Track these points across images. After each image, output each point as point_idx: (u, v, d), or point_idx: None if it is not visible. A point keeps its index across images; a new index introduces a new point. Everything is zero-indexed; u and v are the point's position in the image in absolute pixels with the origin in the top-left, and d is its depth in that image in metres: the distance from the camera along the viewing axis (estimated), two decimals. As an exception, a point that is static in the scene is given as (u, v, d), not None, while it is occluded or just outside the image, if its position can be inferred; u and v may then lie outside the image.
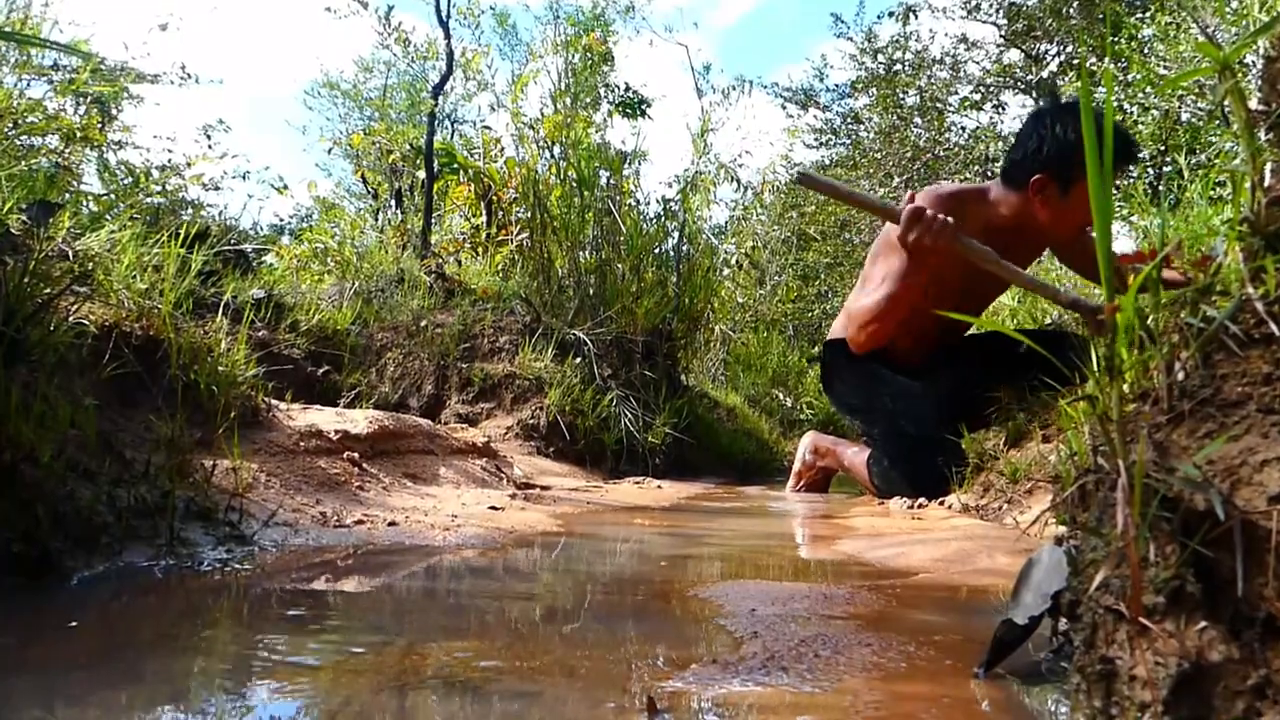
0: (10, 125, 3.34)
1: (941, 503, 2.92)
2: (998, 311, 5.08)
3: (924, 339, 3.45)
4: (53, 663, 0.89)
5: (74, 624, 1.03)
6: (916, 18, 15.60)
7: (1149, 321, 0.80)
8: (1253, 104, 0.82)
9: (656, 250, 5.54)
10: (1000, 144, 14.19)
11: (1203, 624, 0.65)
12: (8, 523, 1.17)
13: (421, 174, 6.62)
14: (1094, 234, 0.78)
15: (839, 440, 3.94)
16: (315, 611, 1.17)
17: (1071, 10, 13.76)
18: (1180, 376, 0.76)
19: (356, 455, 2.31)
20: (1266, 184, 0.76)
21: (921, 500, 3.01)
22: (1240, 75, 0.79)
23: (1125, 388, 0.79)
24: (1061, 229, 3.06)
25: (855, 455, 3.64)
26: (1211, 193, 3.18)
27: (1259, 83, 0.93)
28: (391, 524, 1.89)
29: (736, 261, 10.45)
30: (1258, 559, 0.64)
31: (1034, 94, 14.61)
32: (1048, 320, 4.79)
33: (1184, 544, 0.67)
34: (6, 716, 0.72)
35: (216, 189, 9.26)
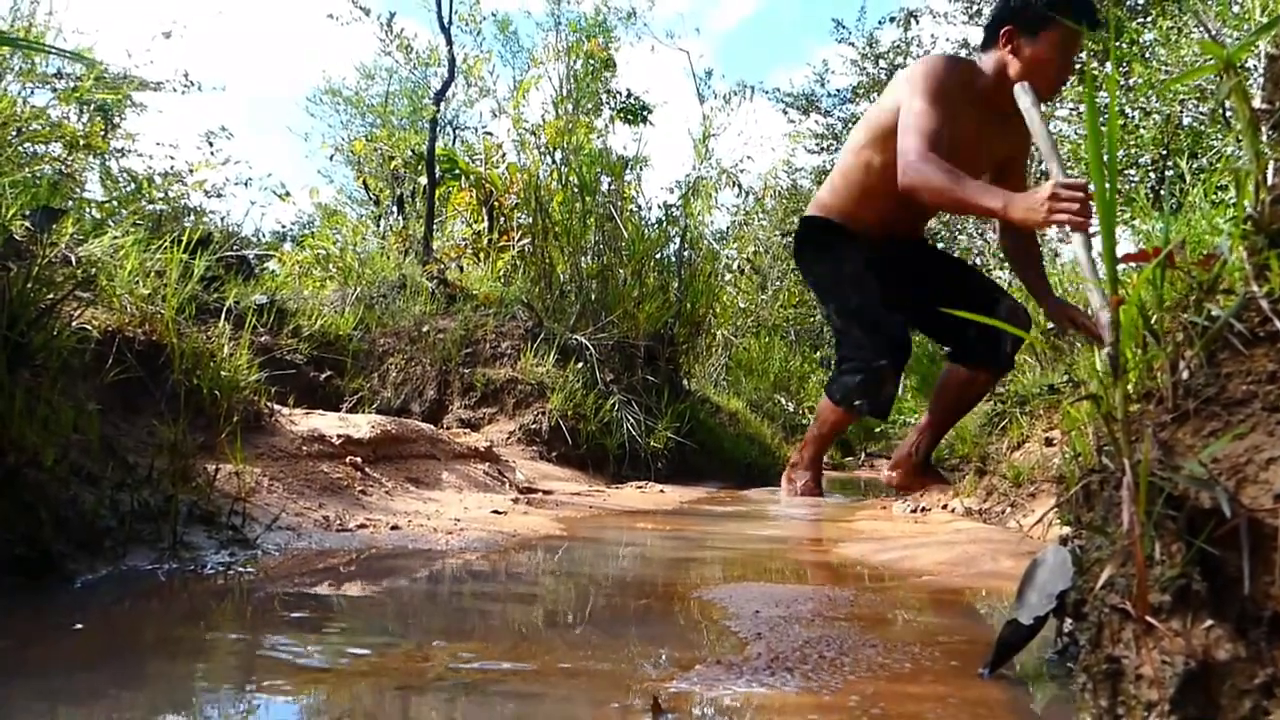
0: (14, 132, 3.34)
1: (944, 506, 2.92)
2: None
3: (891, 222, 3.51)
4: (56, 664, 0.88)
5: (77, 626, 1.03)
6: (918, 23, 15.63)
7: (1153, 321, 0.80)
8: (1256, 103, 0.82)
9: (658, 255, 5.54)
10: (1001, 149, 14.18)
11: (1209, 622, 0.65)
12: (11, 526, 1.17)
13: (423, 180, 6.63)
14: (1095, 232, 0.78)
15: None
16: (319, 614, 1.17)
17: (1072, 15, 13.74)
18: (1185, 375, 0.76)
19: (359, 460, 2.31)
20: (1270, 182, 0.76)
21: (924, 504, 3.00)
22: (1243, 77, 0.79)
23: (1130, 387, 0.79)
24: (1034, 79, 2.92)
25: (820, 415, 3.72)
26: (1214, 196, 3.18)
27: (1262, 83, 0.93)
28: (394, 528, 1.88)
29: (738, 266, 10.46)
30: (1264, 557, 0.64)
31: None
32: (1049, 324, 4.78)
33: (1190, 542, 0.67)
34: (10, 717, 0.72)
35: (219, 196, 9.28)
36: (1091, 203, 2.50)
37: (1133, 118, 7.83)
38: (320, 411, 2.73)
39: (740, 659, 0.94)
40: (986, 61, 3.24)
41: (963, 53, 15.60)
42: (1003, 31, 3.15)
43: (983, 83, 3.23)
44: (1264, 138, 0.80)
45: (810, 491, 3.73)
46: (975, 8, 15.24)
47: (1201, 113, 7.14)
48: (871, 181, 3.43)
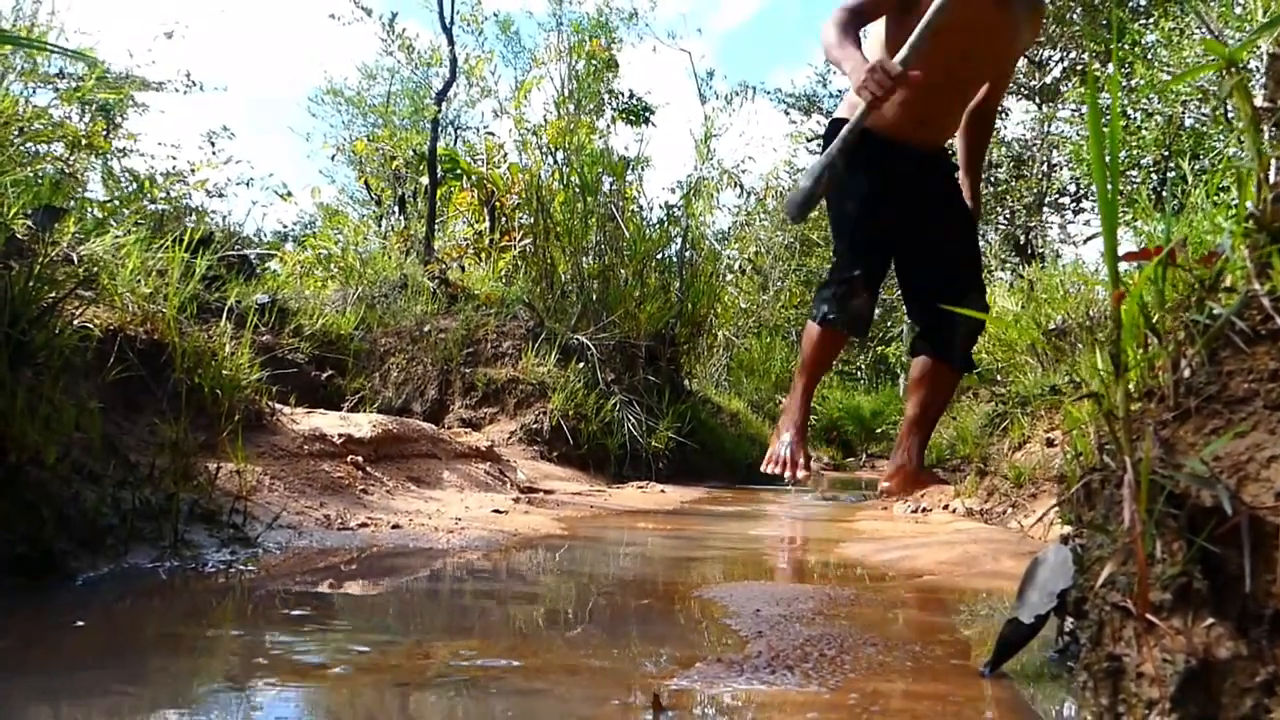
0: (16, 132, 3.34)
1: (945, 506, 2.92)
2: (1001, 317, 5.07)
3: (902, 124, 3.40)
4: (58, 662, 0.89)
5: (79, 624, 1.03)
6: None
7: (1154, 319, 0.80)
8: (1258, 102, 0.82)
9: (660, 255, 5.54)
10: (1003, 149, 14.20)
11: (1210, 620, 0.64)
12: (13, 524, 1.17)
13: (425, 180, 6.63)
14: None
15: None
16: (320, 612, 1.17)
17: (1075, 16, 13.76)
18: (1186, 373, 0.76)
19: (360, 459, 2.31)
20: (1272, 180, 0.76)
21: (924, 505, 3.00)
22: (1245, 77, 0.79)
23: (1131, 385, 0.78)
24: None
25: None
26: (1216, 197, 3.18)
27: (1264, 82, 0.93)
28: (395, 527, 1.88)
29: (739, 267, 10.46)
30: (1265, 555, 0.64)
31: (1037, 100, 14.61)
32: (1051, 325, 4.78)
33: (1191, 540, 0.66)
34: (13, 714, 0.72)
35: (221, 195, 9.28)
36: (893, 82, 2.86)
37: (1135, 119, 7.83)
38: (321, 411, 2.73)
39: (741, 657, 0.94)
40: None
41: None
42: None
43: None
44: (1266, 136, 0.80)
45: (789, 464, 3.47)
46: (977, 8, 15.20)
47: (1203, 114, 7.13)
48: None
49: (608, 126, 6.07)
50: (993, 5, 3.14)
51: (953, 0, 2.98)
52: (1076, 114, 12.47)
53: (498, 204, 6.44)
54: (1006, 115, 15.64)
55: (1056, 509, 0.95)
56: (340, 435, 2.35)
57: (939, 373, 3.48)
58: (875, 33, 3.38)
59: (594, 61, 6.12)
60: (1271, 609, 0.63)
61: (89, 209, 4.10)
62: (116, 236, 2.33)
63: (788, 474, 3.46)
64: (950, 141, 3.66)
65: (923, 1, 3.09)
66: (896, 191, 3.39)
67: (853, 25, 3.16)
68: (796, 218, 3.27)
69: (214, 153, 9.57)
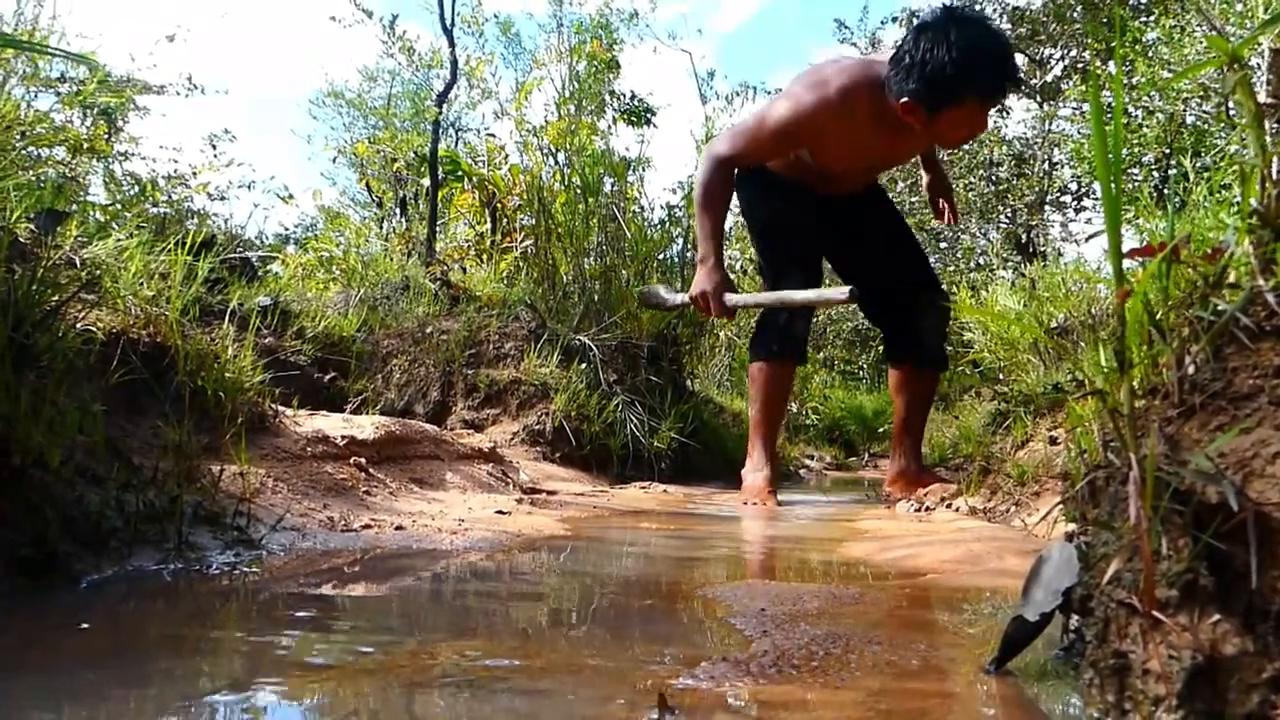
0: (18, 136, 3.35)
1: (948, 505, 2.91)
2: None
3: (817, 184, 3.49)
4: (62, 663, 0.89)
5: (83, 625, 1.03)
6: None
7: (1158, 316, 0.80)
8: (1261, 98, 0.82)
9: (661, 256, 5.54)
10: (1004, 148, 14.19)
11: (1216, 617, 0.64)
12: (17, 526, 1.17)
13: (426, 182, 6.63)
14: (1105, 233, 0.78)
15: None
16: (324, 613, 1.17)
17: (1075, 14, 13.75)
18: (1191, 370, 0.76)
19: (363, 460, 2.31)
20: (1276, 176, 0.76)
21: (928, 504, 3.00)
22: (1248, 74, 0.79)
23: (1135, 382, 0.78)
24: (940, 140, 3.13)
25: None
26: (1218, 194, 3.18)
27: (1266, 78, 0.93)
28: (399, 528, 1.89)
29: (741, 267, 10.45)
30: (1271, 551, 0.64)
31: (1038, 98, 14.60)
32: (1053, 323, 4.78)
33: (1196, 537, 0.66)
34: (17, 715, 0.72)
35: (222, 198, 9.28)
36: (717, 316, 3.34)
37: (1136, 116, 7.82)
38: (324, 413, 2.73)
39: (746, 656, 0.93)
40: (891, 100, 3.01)
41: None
42: (901, 102, 2.91)
43: (888, 102, 3.02)
44: (1269, 132, 0.80)
45: (763, 496, 3.32)
46: (977, 7, 15.24)
47: (1205, 111, 7.13)
48: (803, 165, 3.42)
49: (609, 127, 6.07)
50: (882, 142, 3.18)
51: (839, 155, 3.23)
52: (1078, 112, 12.47)
53: (499, 205, 6.44)
54: (1008, 114, 15.64)
55: (1061, 506, 0.95)
56: (343, 437, 2.35)
57: (915, 376, 3.55)
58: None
59: (595, 62, 6.13)
60: (1278, 605, 0.63)
61: (91, 212, 4.11)
62: (119, 240, 2.33)
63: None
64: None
65: (816, 148, 3.23)
66: (816, 219, 3.47)
67: (725, 187, 3.31)
68: (642, 304, 3.77)
69: (215, 155, 9.58)
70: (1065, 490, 0.91)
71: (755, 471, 3.50)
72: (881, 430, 10.13)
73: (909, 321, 3.51)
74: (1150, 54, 7.23)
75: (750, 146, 3.25)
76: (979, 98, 2.90)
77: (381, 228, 7.97)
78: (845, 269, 3.67)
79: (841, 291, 3.06)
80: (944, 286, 3.68)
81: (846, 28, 16.84)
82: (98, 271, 2.06)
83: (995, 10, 15.07)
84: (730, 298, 3.30)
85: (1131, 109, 7.60)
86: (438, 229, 6.47)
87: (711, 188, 3.27)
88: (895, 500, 3.36)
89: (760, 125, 3.22)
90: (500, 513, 2.27)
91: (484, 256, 6.23)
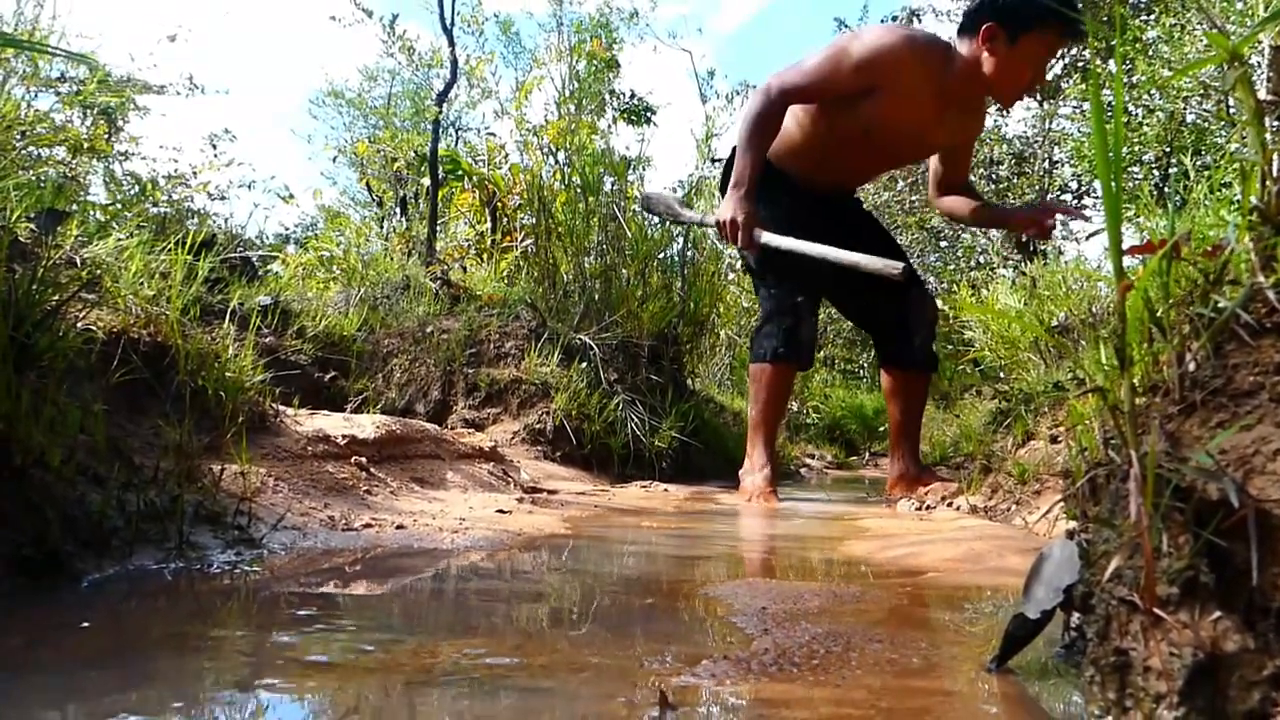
0: (18, 135, 3.35)
1: (949, 504, 2.91)
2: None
3: (817, 176, 3.54)
4: (64, 662, 0.89)
5: (85, 625, 1.03)
6: (920, 21, 15.63)
7: (1159, 313, 0.80)
8: (1261, 94, 0.82)
9: (662, 255, 5.54)
10: (1005, 146, 14.20)
11: (1217, 614, 0.64)
12: (18, 526, 1.18)
13: (426, 181, 6.64)
14: (1104, 227, 0.78)
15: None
16: (325, 612, 1.17)
17: (1076, 13, 13.72)
18: (1191, 367, 0.76)
19: (364, 460, 2.31)
20: (1276, 173, 0.76)
21: (928, 502, 3.00)
22: (1248, 71, 0.79)
23: (1136, 380, 0.78)
24: (1005, 84, 3.10)
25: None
26: (1218, 192, 3.18)
27: (1267, 75, 0.93)
28: (399, 527, 1.89)
29: (742, 266, 10.45)
30: (1272, 548, 0.64)
31: (1038, 96, 14.59)
32: (1054, 321, 4.78)
33: (1197, 534, 0.66)
34: (19, 714, 0.72)
35: (223, 198, 9.30)
36: (742, 247, 3.31)
37: (1136, 115, 7.82)
38: (325, 412, 2.73)
39: (747, 654, 0.93)
40: (961, 48, 3.13)
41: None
42: (984, 26, 3.04)
43: (952, 71, 3.14)
44: (1269, 129, 0.80)
45: (764, 495, 3.37)
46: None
47: (1205, 109, 7.13)
48: (798, 136, 3.44)
49: (609, 127, 6.07)
50: (932, 115, 3.23)
51: (890, 117, 3.19)
52: (1078, 111, 12.47)
53: (499, 205, 6.45)
54: (1008, 112, 15.63)
55: (1062, 504, 0.95)
56: (344, 436, 2.35)
57: (908, 379, 3.56)
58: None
59: (595, 62, 6.13)
60: (1278, 602, 0.63)
61: (91, 212, 4.11)
62: (119, 239, 2.33)
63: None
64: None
65: (878, 97, 3.18)
66: (808, 221, 3.44)
67: (774, 123, 3.28)
68: (646, 208, 3.57)
69: (215, 155, 9.59)
70: (1066, 488, 0.91)
71: (755, 472, 3.49)
72: (882, 429, 10.14)
73: (900, 322, 3.51)
74: (1151, 52, 7.23)
75: (820, 80, 3.19)
76: (1059, 25, 2.97)
77: (382, 227, 7.97)
78: (832, 281, 3.63)
79: (894, 266, 3.02)
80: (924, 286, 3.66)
81: (846, 27, 16.84)
82: (98, 271, 2.06)
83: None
84: (763, 233, 3.27)
85: (1132, 107, 7.60)
86: (438, 228, 6.47)
87: (763, 119, 3.24)
88: (897, 500, 3.37)
89: (839, 57, 3.15)
90: (501, 512, 2.27)
91: (484, 256, 6.23)
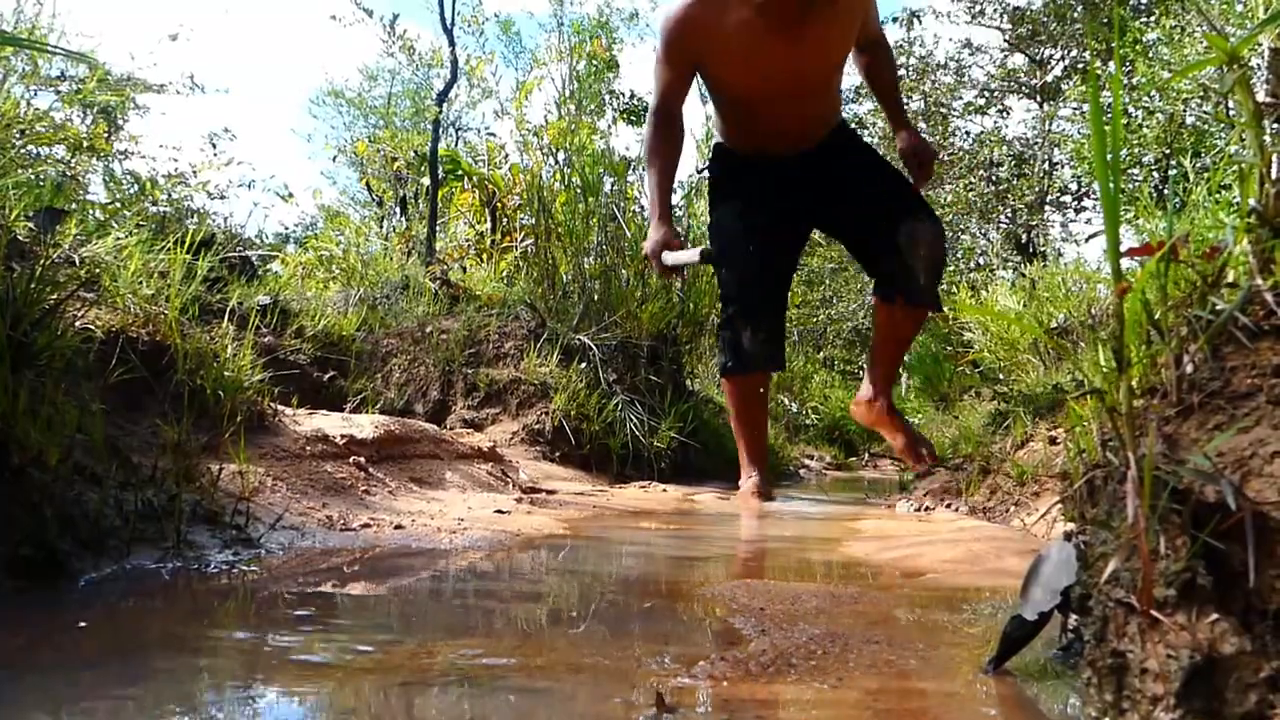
0: (17, 134, 3.35)
1: (948, 505, 2.92)
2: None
3: (762, 144, 3.28)
4: (61, 662, 0.89)
5: (82, 624, 1.03)
6: (920, 22, 15.64)
7: (1157, 315, 0.80)
8: (1260, 96, 0.82)
9: (661, 256, 5.54)
10: (1005, 148, 14.21)
11: (1214, 616, 0.64)
12: (16, 525, 1.17)
13: (426, 181, 6.64)
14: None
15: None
16: (323, 612, 1.17)
17: (1076, 15, 13.76)
18: (1189, 369, 0.76)
19: (363, 460, 2.31)
20: (1275, 175, 0.76)
21: (927, 503, 3.00)
22: (1247, 73, 0.79)
23: (1134, 382, 0.78)
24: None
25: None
26: (1217, 195, 3.18)
27: (1266, 77, 0.93)
28: (398, 527, 1.88)
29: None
30: (1269, 550, 0.64)
31: (1038, 98, 14.61)
32: (1053, 324, 4.78)
33: (1194, 536, 0.66)
34: (15, 714, 0.72)
35: (222, 197, 9.29)
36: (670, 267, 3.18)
37: (1136, 117, 7.83)
38: (324, 412, 2.73)
39: (745, 655, 0.93)
40: None
41: (965, 53, 15.62)
42: None
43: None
44: (1268, 131, 0.80)
45: (757, 494, 3.36)
46: (978, 7, 15.25)
47: (1204, 112, 7.13)
48: (721, 118, 3.32)
49: (609, 127, 6.07)
50: (779, 42, 2.92)
51: (736, 75, 3.04)
52: (1078, 112, 12.48)
53: (499, 205, 6.45)
54: (1008, 114, 15.65)
55: (1059, 506, 0.95)
56: (343, 436, 2.35)
57: (903, 313, 3.25)
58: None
59: (595, 62, 6.13)
60: (1275, 604, 0.63)
61: (91, 211, 4.11)
62: (118, 238, 2.33)
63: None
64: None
65: (710, 68, 3.10)
66: (779, 198, 3.23)
67: (660, 144, 3.19)
68: (664, 271, 3.25)
69: (215, 154, 9.59)
70: (1064, 490, 0.91)
71: (745, 480, 3.47)
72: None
73: (900, 254, 3.14)
74: (1150, 54, 7.24)
75: (661, 89, 3.15)
76: None
77: (381, 227, 7.97)
78: (841, 233, 3.48)
79: (692, 253, 3.08)
80: (934, 217, 3.24)
81: (847, 27, 16.81)
82: (97, 270, 2.06)
83: (996, 10, 15.10)
84: (668, 255, 3.18)
85: (1131, 109, 7.60)
86: (438, 228, 6.47)
87: (649, 143, 3.21)
88: (857, 419, 3.57)
89: (657, 61, 3.13)
90: (500, 512, 2.27)
91: (484, 256, 6.23)
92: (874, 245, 3.26)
